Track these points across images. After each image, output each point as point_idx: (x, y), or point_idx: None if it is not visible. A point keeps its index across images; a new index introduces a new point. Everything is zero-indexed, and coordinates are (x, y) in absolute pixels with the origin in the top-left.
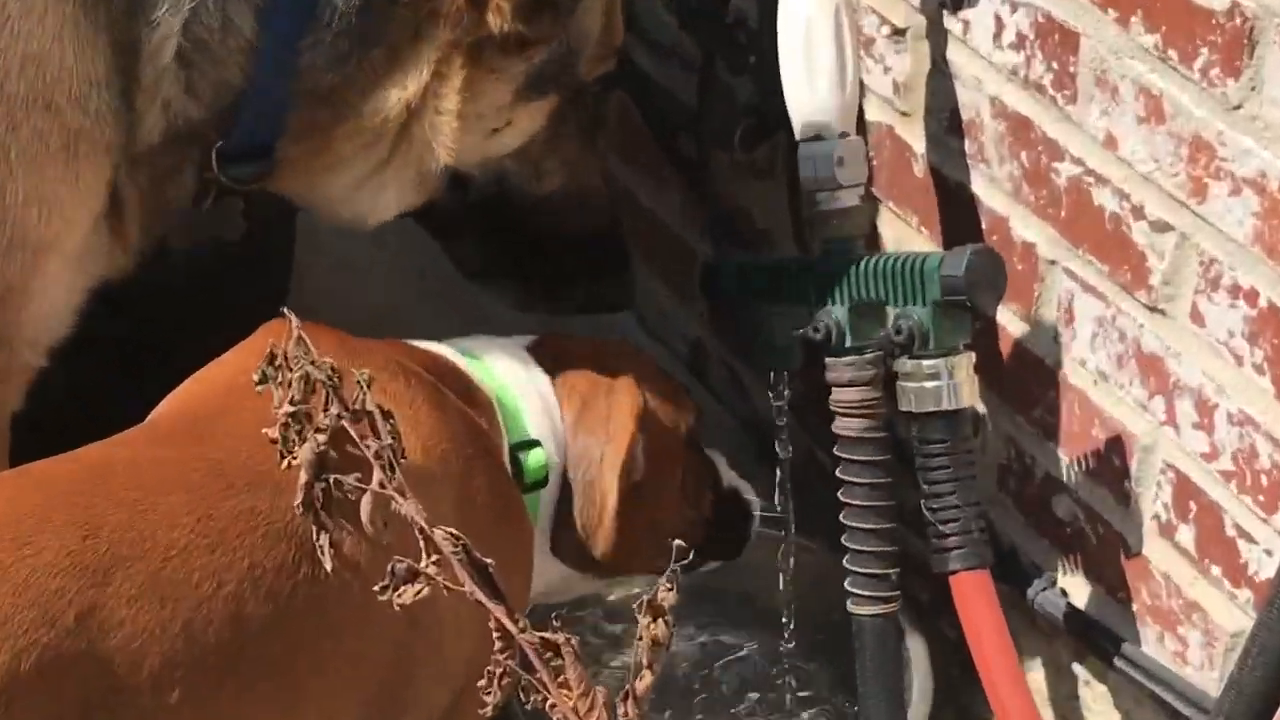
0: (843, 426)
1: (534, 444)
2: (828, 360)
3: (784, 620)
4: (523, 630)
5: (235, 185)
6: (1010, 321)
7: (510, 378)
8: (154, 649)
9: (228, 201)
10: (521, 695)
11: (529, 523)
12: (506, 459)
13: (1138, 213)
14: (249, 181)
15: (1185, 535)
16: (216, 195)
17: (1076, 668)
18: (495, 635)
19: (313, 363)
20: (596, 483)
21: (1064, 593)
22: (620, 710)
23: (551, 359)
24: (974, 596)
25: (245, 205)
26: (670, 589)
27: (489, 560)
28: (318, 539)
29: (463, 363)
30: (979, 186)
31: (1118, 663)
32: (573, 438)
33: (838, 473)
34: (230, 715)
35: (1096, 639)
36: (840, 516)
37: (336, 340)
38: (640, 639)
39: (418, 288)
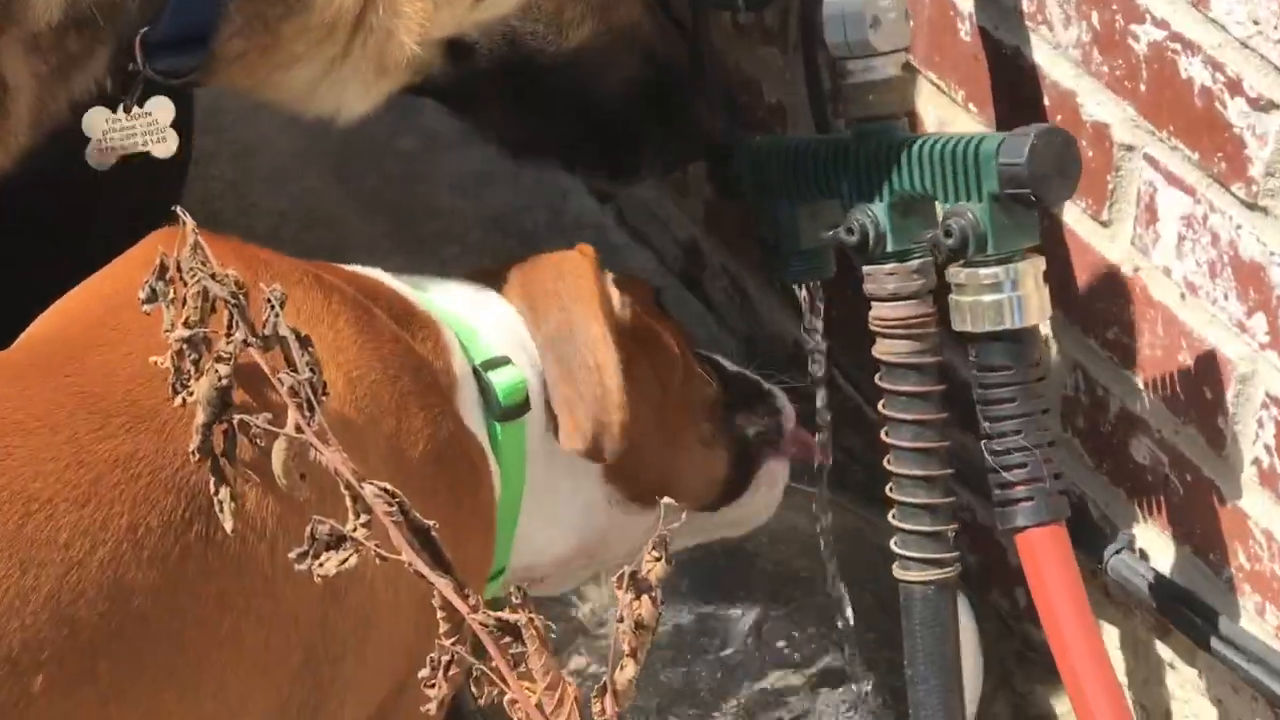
0: (885, 350)
1: (503, 361)
2: (865, 269)
3: (832, 589)
4: (475, 609)
5: (165, 81)
6: (1078, 221)
7: (457, 296)
8: (12, 625)
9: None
10: (473, 689)
11: (489, 474)
12: (464, 391)
13: (1234, 87)
14: (182, 77)
15: None
16: (143, 94)
17: (1159, 647)
18: (440, 615)
19: (213, 276)
20: (580, 346)
21: (1144, 555)
22: (596, 708)
23: (492, 276)
24: (1047, 558)
25: (178, 113)
26: (659, 559)
27: (431, 522)
28: (216, 493)
29: (397, 284)
30: (1041, 54)
31: (1211, 641)
32: (538, 329)
33: (880, 407)
34: (109, 704)
35: (1183, 611)
36: (885, 461)
37: (234, 251)
38: (621, 621)
39: (342, 185)
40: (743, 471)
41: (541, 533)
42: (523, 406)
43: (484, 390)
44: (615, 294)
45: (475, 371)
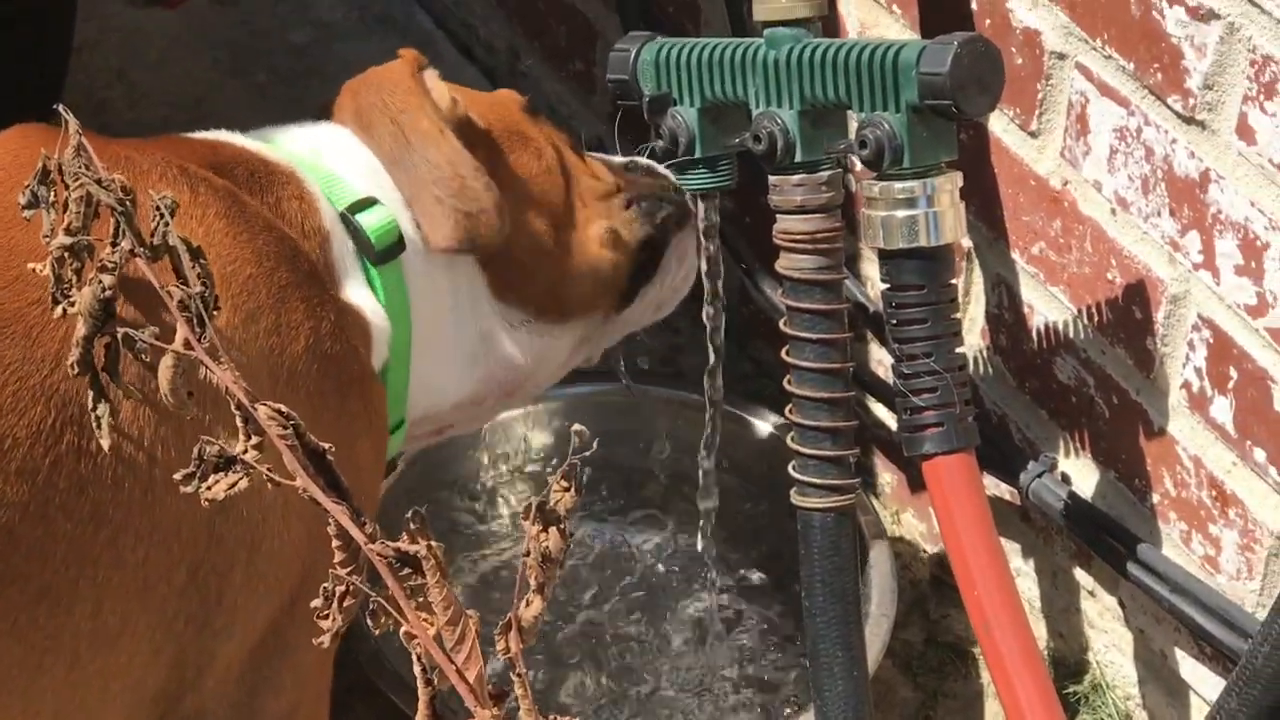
0: (789, 265)
1: (369, 202)
2: (771, 178)
3: (703, 514)
4: (372, 538)
5: None
6: (1006, 132)
7: (308, 140)
8: None
9: None
10: (368, 620)
11: (374, 352)
12: (336, 244)
13: None
14: None
15: (1222, 409)
16: None
17: (1079, 574)
18: (335, 544)
19: (98, 181)
20: (419, 149)
21: (1065, 479)
22: (500, 644)
23: (331, 110)
24: (953, 486)
25: None
26: (567, 489)
27: (328, 445)
28: (94, 408)
29: (248, 143)
30: None
31: (1131, 569)
32: (379, 151)
33: (781, 325)
34: None
35: (1105, 538)
36: (784, 382)
37: (94, 144)
38: (528, 554)
39: (233, 78)
40: (651, 255)
41: (439, 373)
42: (398, 245)
43: (355, 236)
44: (441, 89)
45: (344, 219)
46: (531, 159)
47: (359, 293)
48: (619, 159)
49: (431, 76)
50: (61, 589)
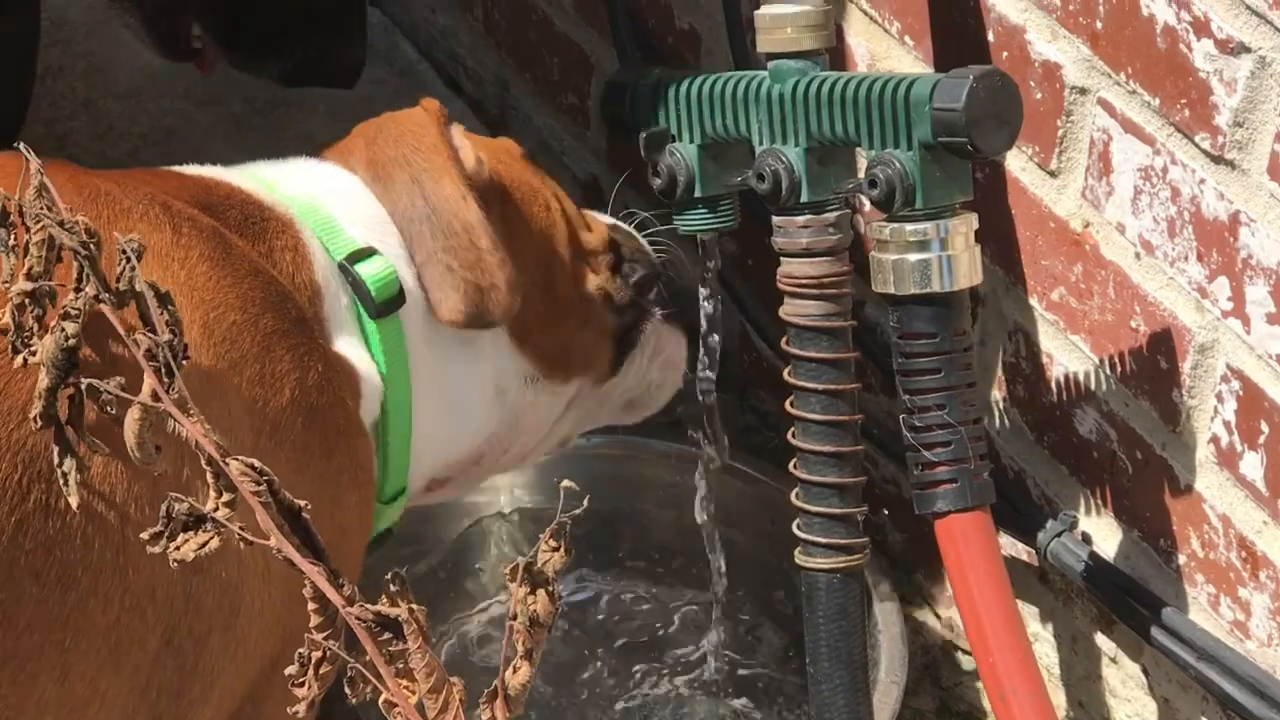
0: (794, 312)
1: (368, 252)
2: (776, 219)
3: (715, 569)
4: (350, 601)
5: None
6: (1024, 171)
7: (307, 182)
8: None
9: None
10: (346, 689)
11: (365, 409)
12: (331, 296)
13: (1200, 27)
14: None
15: (1252, 465)
16: None
17: (1101, 639)
18: (312, 607)
19: (61, 223)
20: (438, 212)
21: (1086, 538)
22: (485, 715)
23: (337, 152)
24: (967, 546)
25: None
26: (556, 548)
27: (303, 502)
28: (60, 464)
29: (245, 182)
30: None
31: (1156, 634)
32: (393, 206)
33: (786, 375)
34: None
35: (1128, 601)
36: (789, 435)
37: (72, 181)
38: (514, 618)
39: (205, 108)
40: (630, 324)
41: (444, 430)
42: (398, 299)
43: (355, 286)
44: (467, 147)
45: (343, 269)
46: (541, 211)
47: (351, 347)
48: (606, 218)
49: (458, 133)
50: (27, 655)
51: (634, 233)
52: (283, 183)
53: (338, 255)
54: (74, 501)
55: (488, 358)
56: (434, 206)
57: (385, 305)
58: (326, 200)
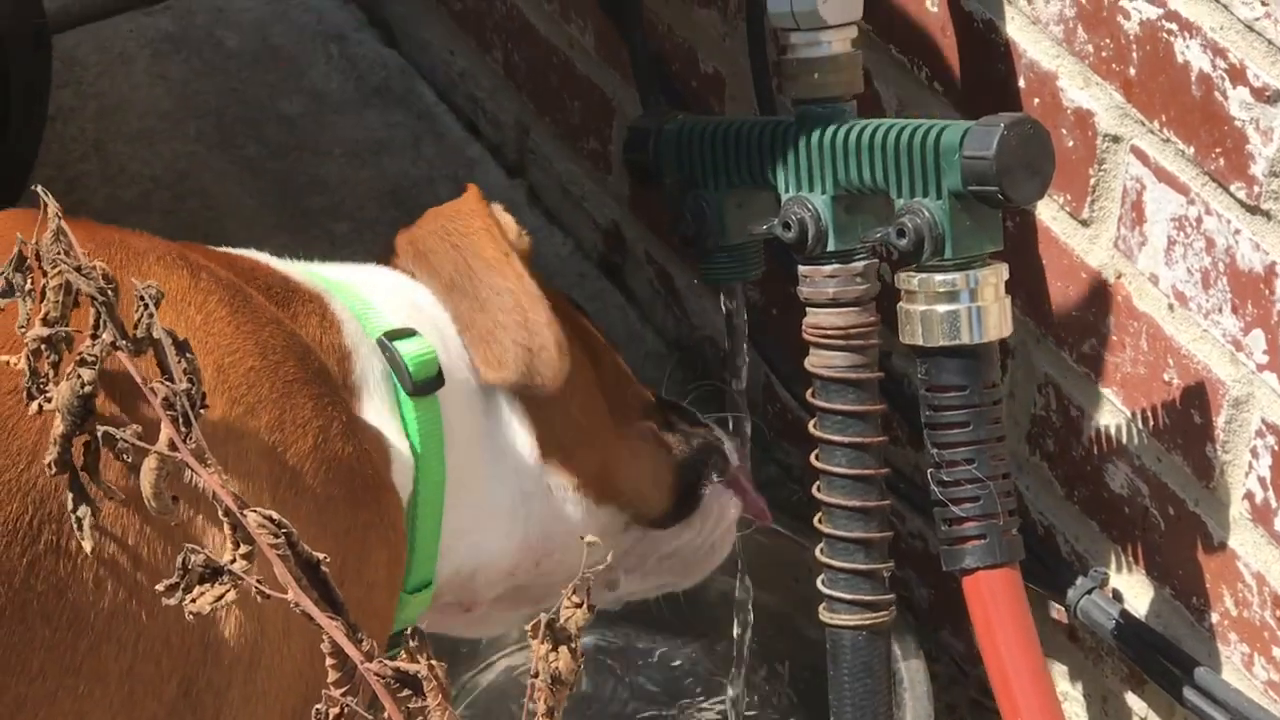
0: (820, 362)
1: (407, 332)
2: (801, 269)
3: (738, 631)
4: (369, 656)
5: None
6: (1055, 220)
7: (344, 271)
8: None
9: None
10: None
11: (394, 469)
12: (363, 369)
13: (1236, 75)
14: None
15: None
16: None
17: (1131, 699)
18: (330, 663)
19: (78, 269)
20: (482, 275)
21: (1117, 596)
22: None
23: (378, 257)
24: (995, 603)
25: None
26: (579, 604)
27: (323, 555)
28: (75, 510)
29: (276, 261)
30: (1018, 29)
31: (1188, 694)
32: (436, 280)
33: (811, 427)
34: None
35: (1159, 661)
36: (813, 488)
37: (86, 232)
38: (535, 675)
39: (218, 151)
40: (690, 485)
41: (475, 527)
42: (436, 380)
43: (393, 364)
44: (509, 220)
45: (381, 345)
46: (587, 334)
47: (382, 416)
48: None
49: (498, 209)
50: (39, 702)
51: (692, 410)
52: (317, 268)
53: (374, 333)
54: (88, 546)
55: (512, 456)
56: (475, 269)
57: (424, 384)
58: (363, 286)
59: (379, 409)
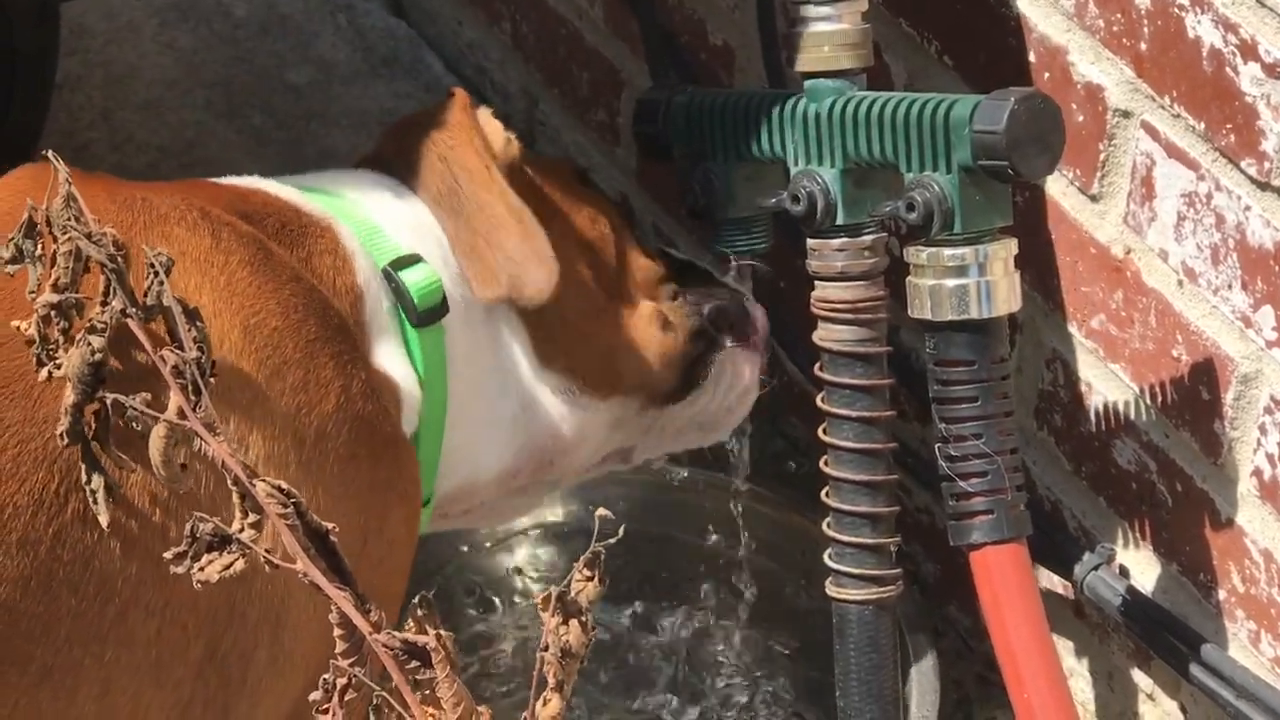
0: (828, 336)
1: (412, 259)
2: (810, 242)
3: (742, 591)
4: (377, 627)
5: None
6: (1064, 195)
7: (352, 190)
8: None
9: None
10: (372, 717)
11: (403, 434)
12: (371, 302)
13: (1248, 51)
14: None
15: None
16: None
17: (1138, 675)
18: (338, 634)
19: (89, 235)
20: (467, 187)
21: (1124, 572)
22: None
23: (374, 160)
24: (1002, 579)
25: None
26: (590, 578)
27: (331, 525)
28: (89, 480)
29: (283, 191)
30: (1027, 4)
31: (1195, 671)
32: (425, 191)
33: (819, 401)
34: None
35: (1166, 637)
36: (821, 462)
37: (107, 190)
38: (546, 648)
39: (226, 121)
40: (700, 353)
41: (475, 443)
42: (441, 308)
43: (398, 294)
44: (496, 127)
45: (387, 275)
46: (585, 222)
47: (391, 355)
48: (681, 254)
49: (484, 114)
50: (66, 670)
51: (709, 267)
52: (320, 189)
53: (381, 261)
54: (104, 519)
55: (512, 368)
56: (460, 181)
57: (428, 314)
58: (366, 204)
59: (387, 344)
